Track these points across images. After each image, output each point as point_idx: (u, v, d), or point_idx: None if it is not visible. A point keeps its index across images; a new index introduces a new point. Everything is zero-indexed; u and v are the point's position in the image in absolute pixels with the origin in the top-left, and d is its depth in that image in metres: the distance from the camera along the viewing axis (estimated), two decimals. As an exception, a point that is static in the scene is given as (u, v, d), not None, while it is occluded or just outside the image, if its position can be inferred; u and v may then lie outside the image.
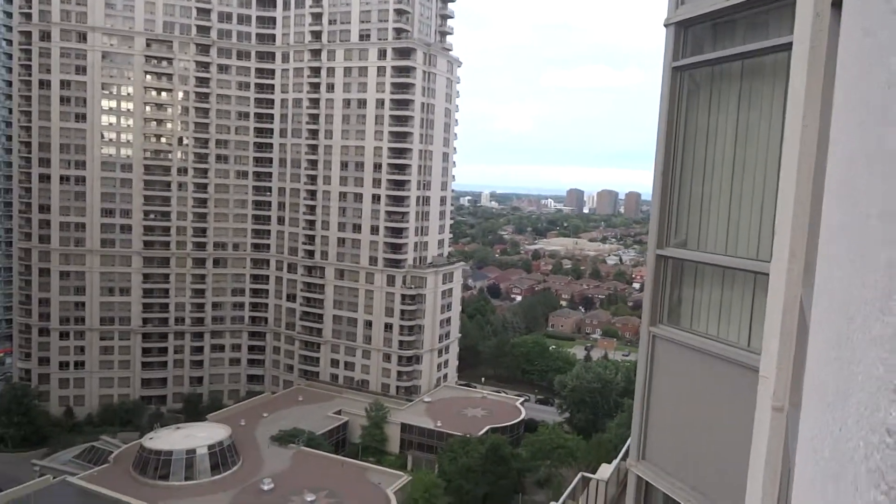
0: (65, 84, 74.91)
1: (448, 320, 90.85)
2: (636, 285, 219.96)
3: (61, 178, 76.41)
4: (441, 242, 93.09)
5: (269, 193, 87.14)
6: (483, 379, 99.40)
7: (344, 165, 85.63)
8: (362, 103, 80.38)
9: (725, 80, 6.11)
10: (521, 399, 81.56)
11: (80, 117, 75.58)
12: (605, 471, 11.94)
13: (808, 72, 2.29)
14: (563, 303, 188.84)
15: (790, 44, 2.84)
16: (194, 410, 78.38)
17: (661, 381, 6.84)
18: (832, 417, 1.12)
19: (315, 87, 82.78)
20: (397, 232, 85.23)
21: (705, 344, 6.28)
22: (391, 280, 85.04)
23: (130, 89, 77.69)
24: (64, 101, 74.92)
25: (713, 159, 6.34)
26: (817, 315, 1.43)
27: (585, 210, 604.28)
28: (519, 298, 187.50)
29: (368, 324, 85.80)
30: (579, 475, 11.48)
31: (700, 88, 6.45)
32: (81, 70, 75.21)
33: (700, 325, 6.53)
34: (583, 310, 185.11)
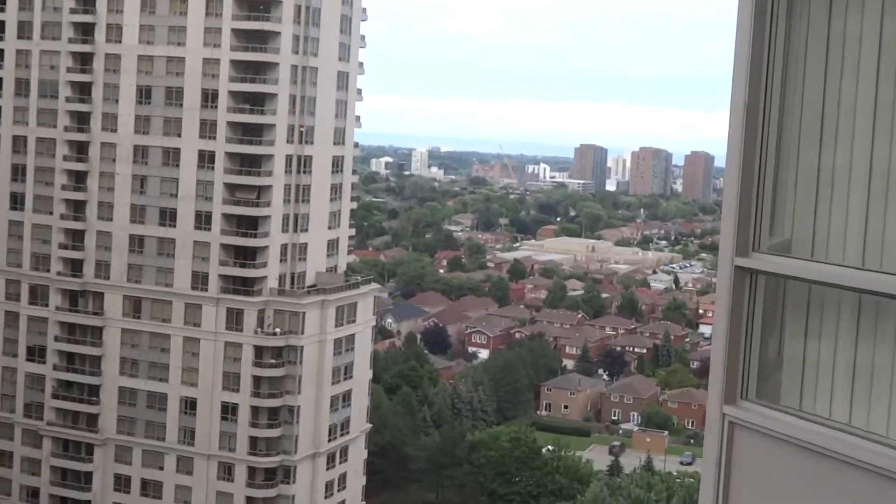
0: None
1: (347, 396, 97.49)
2: (706, 329, 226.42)
3: None
4: (334, 245, 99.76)
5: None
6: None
7: (144, 94, 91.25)
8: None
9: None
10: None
11: None
12: None
13: None
14: (569, 362, 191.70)
15: None
16: None
17: None
18: None
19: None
20: (248, 225, 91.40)
21: (830, 439, 6.65)
22: (236, 318, 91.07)
23: None
24: None
25: (840, 102, 6.77)
26: None
27: (610, 185, 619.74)
28: (484, 354, 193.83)
29: (191, 404, 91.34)
30: None
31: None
32: None
33: (819, 404, 6.87)
34: (606, 376, 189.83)
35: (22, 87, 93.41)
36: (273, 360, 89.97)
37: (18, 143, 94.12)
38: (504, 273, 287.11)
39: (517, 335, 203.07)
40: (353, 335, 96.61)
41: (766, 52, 7.14)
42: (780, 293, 7.14)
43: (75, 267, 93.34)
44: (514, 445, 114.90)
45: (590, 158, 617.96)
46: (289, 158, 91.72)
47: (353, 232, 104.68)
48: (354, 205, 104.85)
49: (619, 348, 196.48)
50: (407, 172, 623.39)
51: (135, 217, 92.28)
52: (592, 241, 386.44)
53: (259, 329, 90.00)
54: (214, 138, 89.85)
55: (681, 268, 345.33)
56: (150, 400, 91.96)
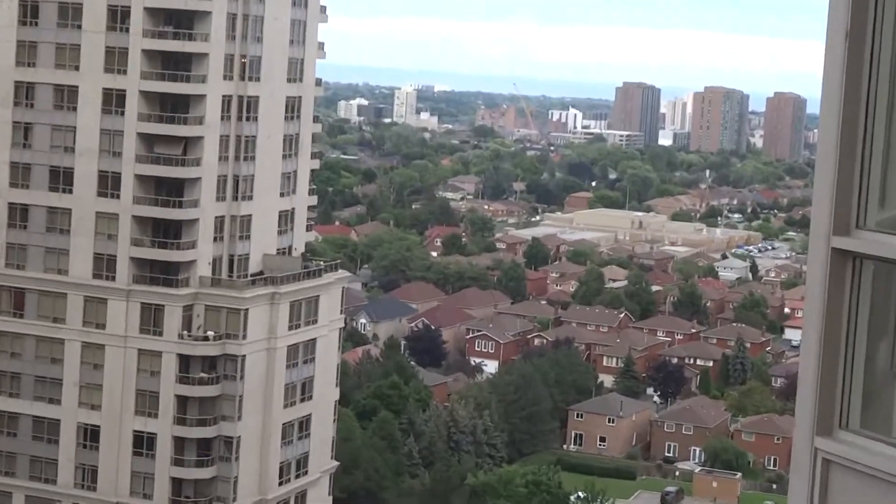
0: None
1: (305, 424, 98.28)
2: (794, 335, 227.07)
3: None
4: (287, 219, 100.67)
5: None
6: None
7: (29, 11, 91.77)
8: None
9: None
10: None
11: None
12: None
13: None
14: (607, 379, 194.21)
15: None
16: None
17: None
18: None
19: None
20: (171, 191, 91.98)
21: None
22: (154, 318, 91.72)
23: None
24: None
25: None
26: None
27: (665, 139, 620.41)
28: (492, 367, 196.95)
29: (92, 434, 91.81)
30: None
31: None
32: None
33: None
34: (657, 397, 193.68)
35: None
36: (204, 375, 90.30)
37: None
38: (519, 257, 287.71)
39: (536, 341, 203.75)
40: (313, 341, 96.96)
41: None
42: (895, 284, 7.03)
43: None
44: (533, 491, 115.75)
45: (636, 102, 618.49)
46: (226, 100, 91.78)
47: (314, 200, 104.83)
48: (316, 164, 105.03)
49: (675, 360, 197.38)
50: (388, 120, 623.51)
51: (16, 180, 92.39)
52: (640, 214, 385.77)
53: (185, 332, 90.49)
54: (125, 72, 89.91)
55: (760, 251, 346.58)
56: (37, 428, 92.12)
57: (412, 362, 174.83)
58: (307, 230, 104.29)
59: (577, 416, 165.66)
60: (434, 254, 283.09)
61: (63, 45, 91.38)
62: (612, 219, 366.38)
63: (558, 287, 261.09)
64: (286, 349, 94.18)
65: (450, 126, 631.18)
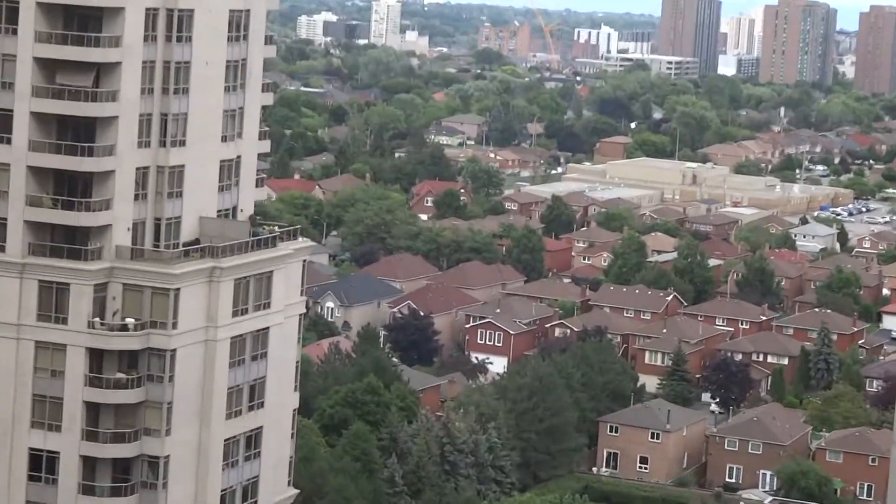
0: None
1: (254, 440, 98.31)
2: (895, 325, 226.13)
3: None
4: (231, 171, 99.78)
5: None
6: None
7: None
8: None
9: None
10: None
11: None
12: None
13: None
14: (650, 381, 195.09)
15: None
16: None
17: None
18: None
19: None
20: (75, 133, 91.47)
21: None
22: (56, 300, 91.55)
23: None
24: None
25: None
26: None
27: (726, 66, 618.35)
28: (499, 367, 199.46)
29: None
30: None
31: None
32: None
33: None
34: (715, 405, 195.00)
35: None
36: (122, 376, 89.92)
37: None
38: (535, 221, 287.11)
39: (558, 332, 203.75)
40: (265, 331, 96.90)
41: None
42: None
43: None
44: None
45: (689, 18, 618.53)
46: (151, 15, 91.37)
47: (266, 147, 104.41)
48: (270, 98, 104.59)
49: (738, 356, 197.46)
50: (363, 41, 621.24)
51: None
52: (693, 165, 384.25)
53: (97, 320, 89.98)
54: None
55: (851, 214, 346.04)
56: None
57: (395, 359, 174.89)
58: (257, 186, 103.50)
59: (611, 430, 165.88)
60: (424, 217, 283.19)
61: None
62: (656, 171, 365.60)
63: (586, 261, 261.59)
64: (230, 342, 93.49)
65: (444, 49, 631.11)
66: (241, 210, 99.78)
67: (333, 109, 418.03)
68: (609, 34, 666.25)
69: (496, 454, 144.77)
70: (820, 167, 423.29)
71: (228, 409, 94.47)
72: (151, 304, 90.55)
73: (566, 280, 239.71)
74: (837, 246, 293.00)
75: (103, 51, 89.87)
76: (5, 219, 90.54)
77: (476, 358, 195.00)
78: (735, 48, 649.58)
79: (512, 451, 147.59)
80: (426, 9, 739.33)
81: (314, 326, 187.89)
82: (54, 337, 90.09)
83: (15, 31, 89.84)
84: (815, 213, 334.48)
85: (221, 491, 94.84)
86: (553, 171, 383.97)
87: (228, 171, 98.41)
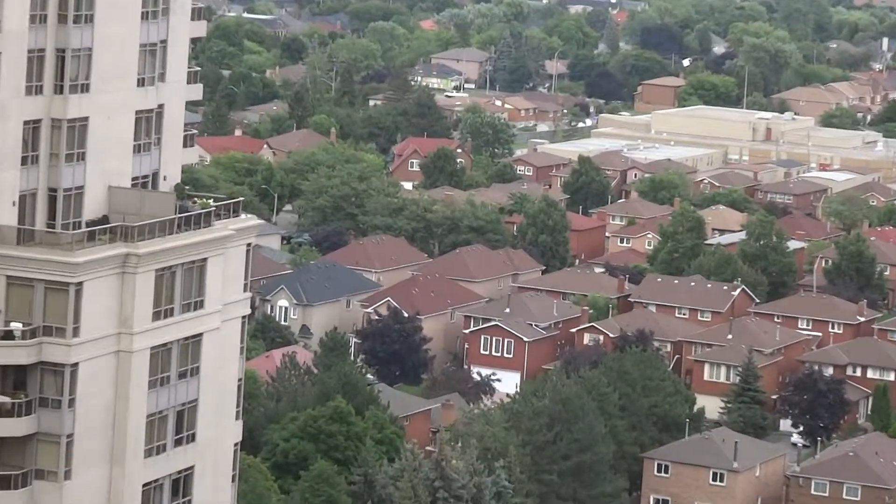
0: None
1: (184, 485, 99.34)
2: None
3: None
4: (149, 126, 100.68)
5: None
6: None
7: None
8: None
9: None
10: None
11: None
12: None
13: None
14: (711, 402, 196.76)
15: None
16: None
17: None
18: None
19: None
20: None
21: None
22: None
23: None
24: None
25: None
26: None
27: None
28: (509, 384, 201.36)
29: None
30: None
31: None
32: None
33: None
34: (797, 436, 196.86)
35: None
36: (6, 400, 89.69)
37: None
38: (556, 191, 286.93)
39: (587, 338, 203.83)
40: (197, 339, 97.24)
41: None
42: None
43: None
44: None
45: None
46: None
47: (198, 93, 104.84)
48: (203, 28, 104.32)
49: (829, 370, 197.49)
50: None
51: None
52: (767, 115, 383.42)
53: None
54: None
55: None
56: None
57: (370, 376, 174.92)
58: (186, 145, 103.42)
59: (660, 470, 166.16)
60: (408, 186, 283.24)
61: None
62: (717, 124, 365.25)
63: (625, 243, 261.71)
64: (149, 354, 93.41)
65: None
66: (165, 178, 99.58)
67: (287, 43, 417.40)
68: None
69: (506, 502, 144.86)
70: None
71: (148, 443, 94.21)
72: (45, 304, 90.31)
73: (598, 270, 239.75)
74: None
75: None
76: None
77: (479, 374, 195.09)
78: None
79: (527, 499, 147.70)
80: None
81: (263, 332, 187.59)
82: None
83: None
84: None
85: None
86: (580, 125, 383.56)
87: (147, 126, 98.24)
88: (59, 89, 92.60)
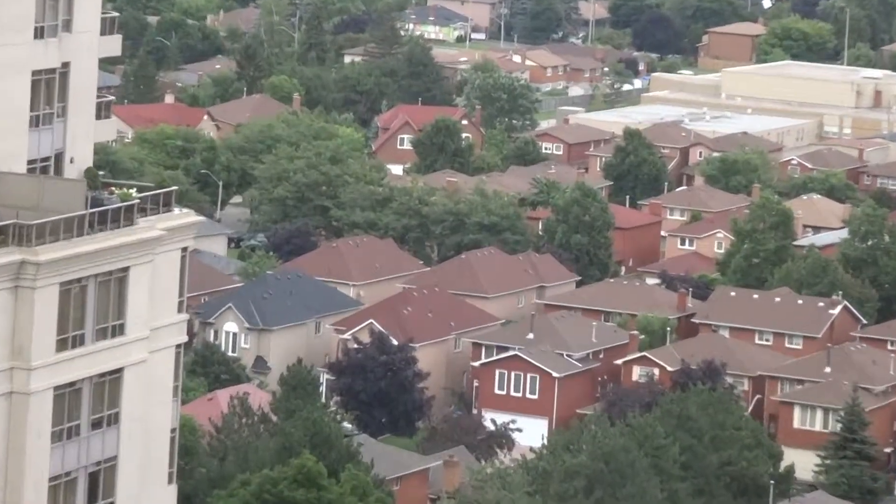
0: None
1: None
2: None
3: None
4: (50, 92, 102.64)
5: None
6: None
7: None
8: None
9: None
10: None
11: None
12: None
13: None
14: (803, 457, 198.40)
15: None
16: None
17: None
18: None
19: None
20: None
21: None
22: None
23: None
24: None
25: None
26: None
27: None
28: (533, 434, 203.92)
29: None
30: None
31: None
32: None
33: None
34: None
35: None
36: None
37: None
38: (594, 175, 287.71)
39: (637, 372, 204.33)
40: (116, 376, 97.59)
41: None
42: None
43: None
44: None
45: None
46: None
47: (116, 47, 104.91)
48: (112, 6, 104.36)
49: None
50: None
51: None
52: (874, 73, 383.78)
53: None
54: None
55: None
56: None
57: (347, 424, 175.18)
58: (100, 116, 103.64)
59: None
60: (397, 169, 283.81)
61: None
62: (809, 86, 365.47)
63: (687, 245, 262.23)
64: (52, 396, 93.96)
65: None
66: (72, 160, 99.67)
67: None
68: None
69: None
70: None
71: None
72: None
73: (652, 281, 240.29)
74: None
75: None
76: None
77: (492, 421, 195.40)
78: None
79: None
80: None
81: (204, 367, 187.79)
82: None
83: None
84: None
85: None
86: (626, 87, 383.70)
87: (48, 91, 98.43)
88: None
